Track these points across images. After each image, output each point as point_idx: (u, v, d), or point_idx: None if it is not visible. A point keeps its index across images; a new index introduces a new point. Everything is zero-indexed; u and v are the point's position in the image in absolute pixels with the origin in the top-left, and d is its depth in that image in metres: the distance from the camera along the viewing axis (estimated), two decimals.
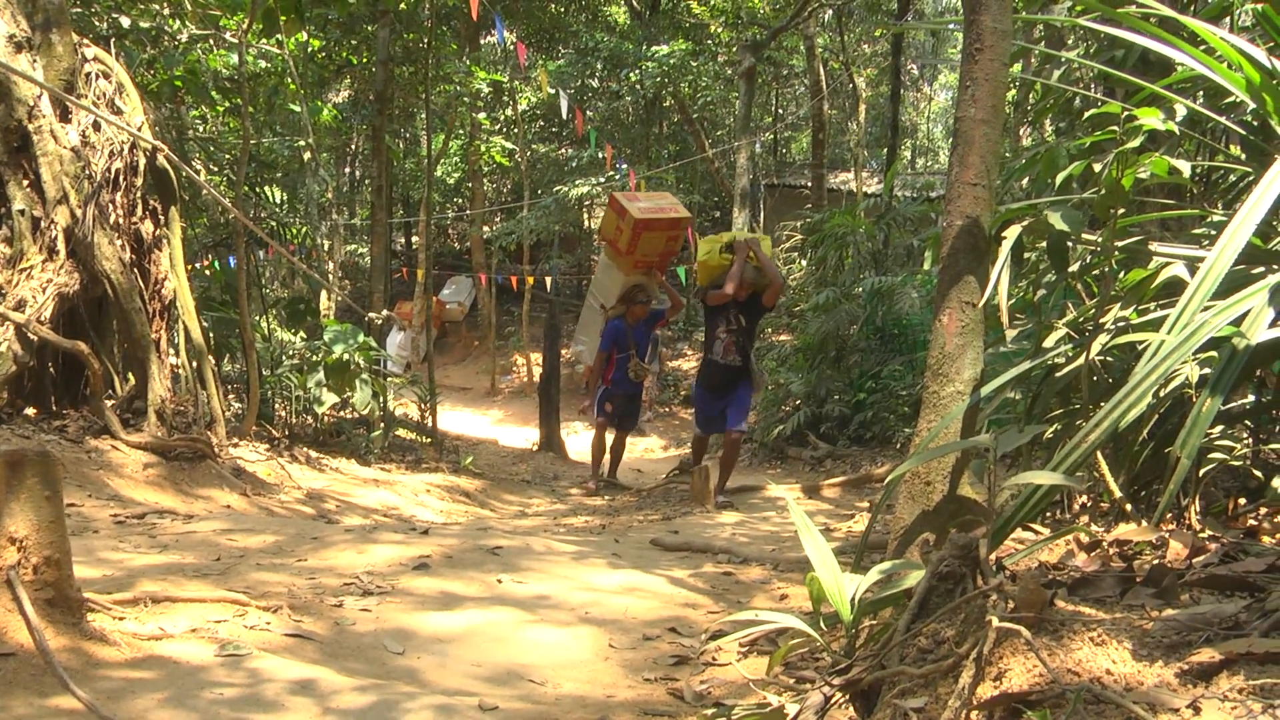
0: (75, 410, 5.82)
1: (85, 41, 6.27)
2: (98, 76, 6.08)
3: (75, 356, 5.64)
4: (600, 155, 17.63)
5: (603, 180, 18.28)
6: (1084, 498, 2.94)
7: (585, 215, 23.59)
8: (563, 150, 21.01)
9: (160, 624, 2.54)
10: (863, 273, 11.42)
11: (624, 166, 17.04)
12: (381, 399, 9.44)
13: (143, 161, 6.22)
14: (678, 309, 9.25)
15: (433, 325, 15.16)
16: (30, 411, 5.68)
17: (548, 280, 18.41)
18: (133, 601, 2.64)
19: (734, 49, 18.54)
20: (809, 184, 20.94)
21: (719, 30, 19.63)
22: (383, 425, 9.63)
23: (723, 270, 7.30)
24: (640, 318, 8.42)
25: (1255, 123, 2.92)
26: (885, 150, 20.69)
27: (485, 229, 22.32)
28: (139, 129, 6.04)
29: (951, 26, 20.87)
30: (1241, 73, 2.57)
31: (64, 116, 5.82)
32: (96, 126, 5.92)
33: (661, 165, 19.47)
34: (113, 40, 7.10)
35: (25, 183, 5.65)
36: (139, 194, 6.20)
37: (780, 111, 29.08)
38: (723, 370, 7.50)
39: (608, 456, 8.89)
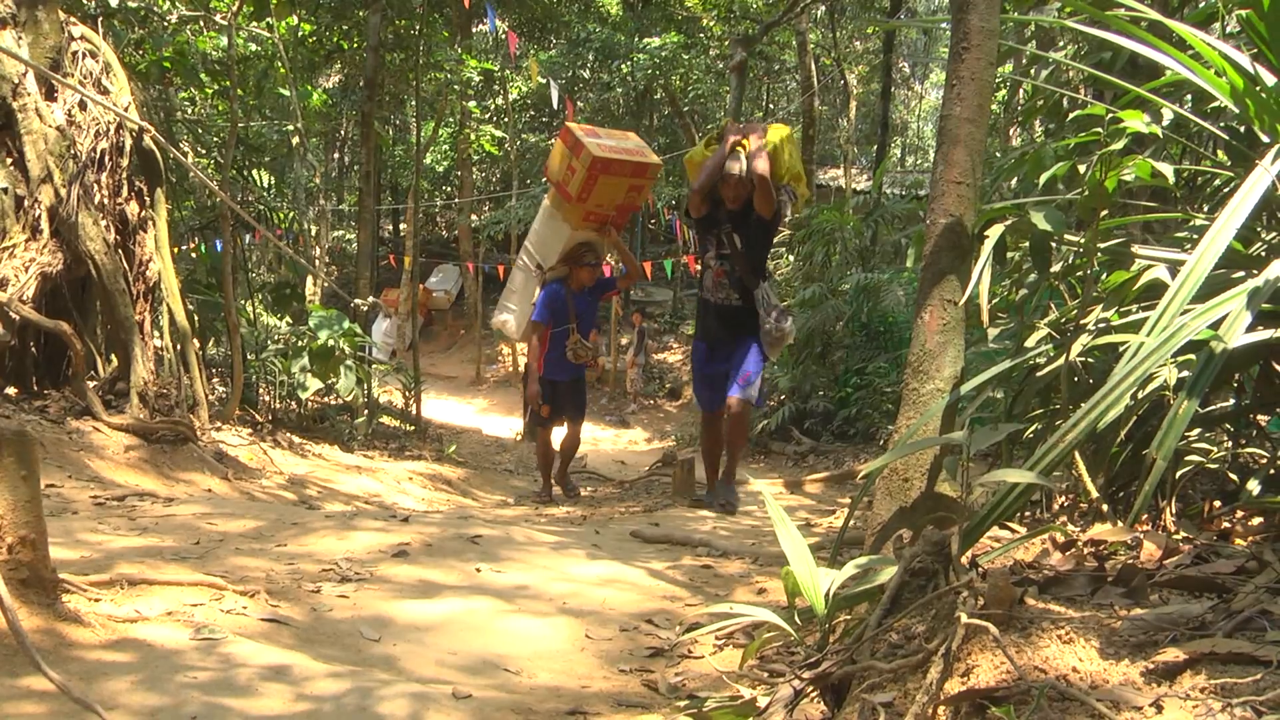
0: (57, 391, 5.79)
1: (72, 19, 6.22)
2: (84, 55, 6.03)
3: (57, 337, 5.60)
4: None
5: None
6: (1064, 498, 2.96)
7: None
8: (552, 140, 20.93)
9: (136, 606, 2.53)
10: (849, 269, 11.47)
11: None
12: (366, 386, 9.42)
13: (129, 142, 6.18)
14: (633, 279, 7.68)
15: (419, 313, 15.14)
16: (11, 391, 5.65)
17: None
18: (109, 583, 2.62)
19: (726, 43, 18.51)
20: None
21: (711, 24, 19.61)
22: (366, 412, 9.61)
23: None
24: (585, 284, 6.76)
25: (1241, 128, 2.94)
26: (875, 147, 20.74)
27: (473, 218, 22.27)
28: (126, 109, 5.99)
29: (943, 25, 20.89)
30: (1226, 78, 2.58)
31: (49, 95, 5.78)
32: (82, 106, 5.88)
33: None
34: (100, 19, 7.05)
35: (9, 161, 5.61)
36: (125, 175, 6.16)
37: (771, 106, 29.07)
38: (717, 313, 5.74)
39: (557, 459, 7.21)
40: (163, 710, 1.94)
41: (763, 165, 5.39)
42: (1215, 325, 2.15)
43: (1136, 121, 2.31)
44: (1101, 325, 2.73)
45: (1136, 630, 1.35)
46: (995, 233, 2.68)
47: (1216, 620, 1.36)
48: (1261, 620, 1.34)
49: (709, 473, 6.10)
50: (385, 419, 10.79)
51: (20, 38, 5.58)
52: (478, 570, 3.52)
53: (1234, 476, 2.80)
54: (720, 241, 5.67)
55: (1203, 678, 1.20)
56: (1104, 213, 2.59)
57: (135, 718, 1.91)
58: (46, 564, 2.20)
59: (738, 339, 5.70)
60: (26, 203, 5.58)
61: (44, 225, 5.56)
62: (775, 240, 6.10)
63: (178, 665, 2.17)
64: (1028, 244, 2.85)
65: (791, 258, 13.45)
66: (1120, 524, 2.24)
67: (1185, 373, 2.33)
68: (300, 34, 13.73)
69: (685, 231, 19.36)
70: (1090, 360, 2.93)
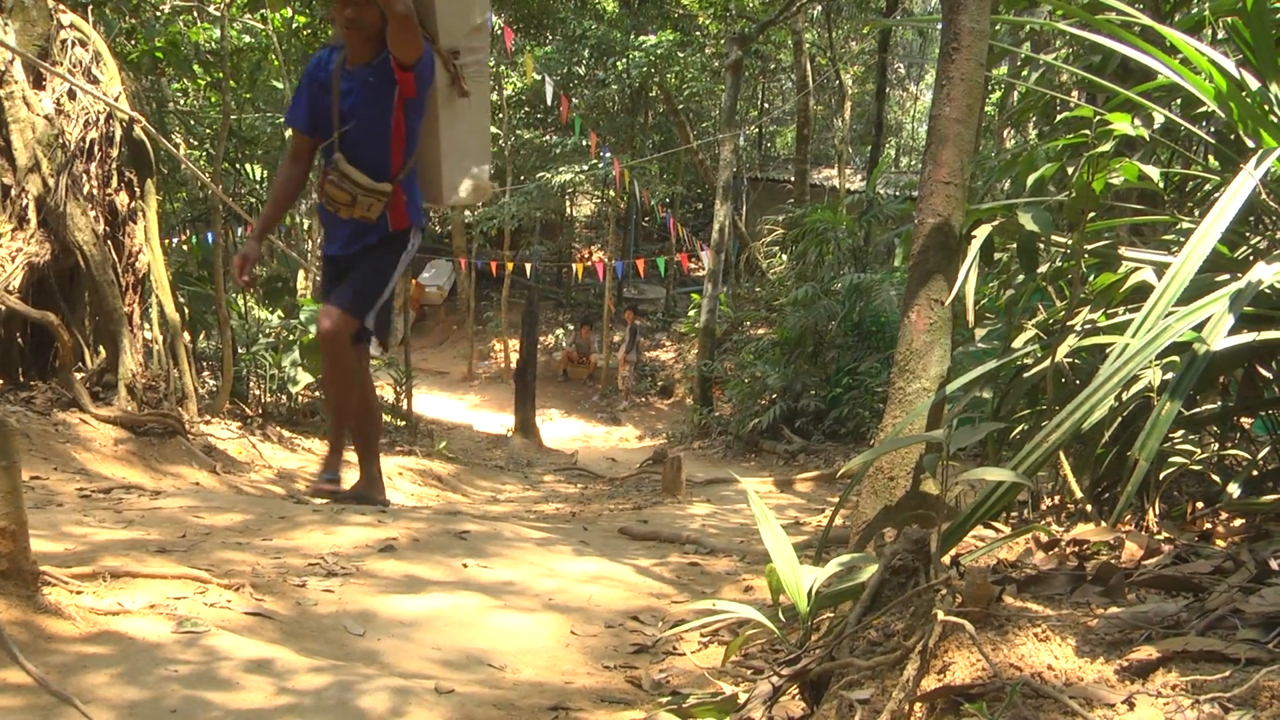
0: (44, 382, 5.76)
1: (61, 7, 6.18)
2: (74, 44, 6.00)
3: (45, 328, 5.57)
4: (584, 143, 17.58)
5: (585, 168, 18.26)
6: (1051, 498, 2.97)
7: (568, 202, 23.61)
8: (547, 137, 20.91)
9: (118, 599, 2.52)
10: (842, 269, 11.49)
11: (608, 155, 17.02)
12: None
13: (119, 133, 6.14)
14: (408, 42, 3.96)
15: (411, 308, 15.11)
16: None
17: (528, 266, 18.39)
18: (91, 576, 2.61)
19: (722, 41, 18.52)
20: (792, 179, 20.98)
21: (707, 22, 19.62)
22: None
23: None
24: (364, 57, 4.06)
25: (1231, 135, 2.95)
26: (870, 148, 20.77)
27: (466, 213, 22.23)
28: (116, 99, 5.97)
29: (939, 26, 20.90)
30: (1213, 83, 2.59)
31: (37, 83, 5.74)
32: (72, 95, 5.85)
33: (645, 155, 19.45)
34: (90, 7, 7.01)
35: None
36: (114, 165, 6.13)
37: (766, 105, 29.10)
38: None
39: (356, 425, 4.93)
40: (142, 703, 1.94)
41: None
42: (1199, 327, 2.16)
43: (1123, 124, 2.32)
44: (1088, 326, 2.74)
45: (1112, 628, 1.36)
46: (982, 233, 2.69)
47: (1190, 619, 1.37)
48: (1233, 619, 1.35)
49: None
50: None
51: (7, 24, 5.55)
52: (464, 566, 3.51)
53: (1217, 478, 2.82)
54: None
55: (1174, 675, 1.21)
56: (1091, 215, 2.60)
57: (114, 711, 1.90)
58: (26, 555, 2.19)
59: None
60: (13, 192, 5.55)
61: (31, 215, 5.53)
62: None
63: (159, 658, 2.16)
64: (1015, 245, 2.86)
65: (785, 257, 13.46)
66: (1104, 524, 2.25)
67: (1170, 374, 2.34)
68: (294, 26, 13.68)
69: (679, 229, 19.37)
70: (1077, 361, 2.95)
